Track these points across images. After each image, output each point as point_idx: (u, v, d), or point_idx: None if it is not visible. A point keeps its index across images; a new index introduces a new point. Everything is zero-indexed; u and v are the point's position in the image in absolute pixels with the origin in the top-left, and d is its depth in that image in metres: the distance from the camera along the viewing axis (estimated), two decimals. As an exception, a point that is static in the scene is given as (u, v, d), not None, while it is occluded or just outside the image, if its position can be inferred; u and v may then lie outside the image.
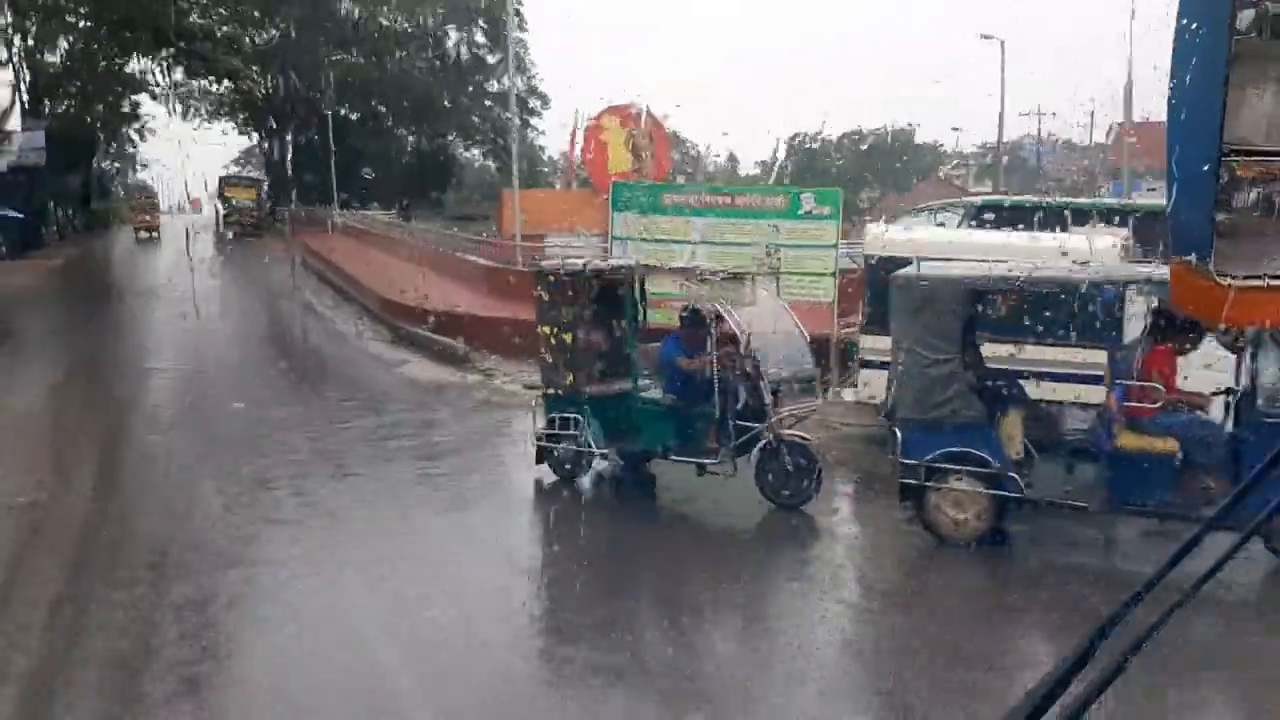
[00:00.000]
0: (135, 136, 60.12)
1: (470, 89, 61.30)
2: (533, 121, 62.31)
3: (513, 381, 14.78)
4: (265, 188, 51.41)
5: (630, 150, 56.85)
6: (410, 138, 59.37)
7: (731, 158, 75.76)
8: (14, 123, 39.24)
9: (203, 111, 61.46)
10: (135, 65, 51.98)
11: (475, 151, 63.89)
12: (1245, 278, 1.43)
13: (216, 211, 50.33)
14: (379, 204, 57.18)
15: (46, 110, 45.98)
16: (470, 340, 16.99)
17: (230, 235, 48.12)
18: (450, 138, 59.38)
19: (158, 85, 55.11)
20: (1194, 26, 1.39)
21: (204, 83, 59.77)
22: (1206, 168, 1.41)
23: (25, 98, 42.67)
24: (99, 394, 14.86)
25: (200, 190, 66.01)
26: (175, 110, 59.05)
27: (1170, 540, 6.38)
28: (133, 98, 54.80)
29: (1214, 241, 1.43)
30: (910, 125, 78.86)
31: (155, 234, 46.32)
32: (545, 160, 66.65)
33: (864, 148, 76.94)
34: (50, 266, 31.10)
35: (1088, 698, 1.20)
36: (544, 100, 61.96)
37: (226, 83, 56.84)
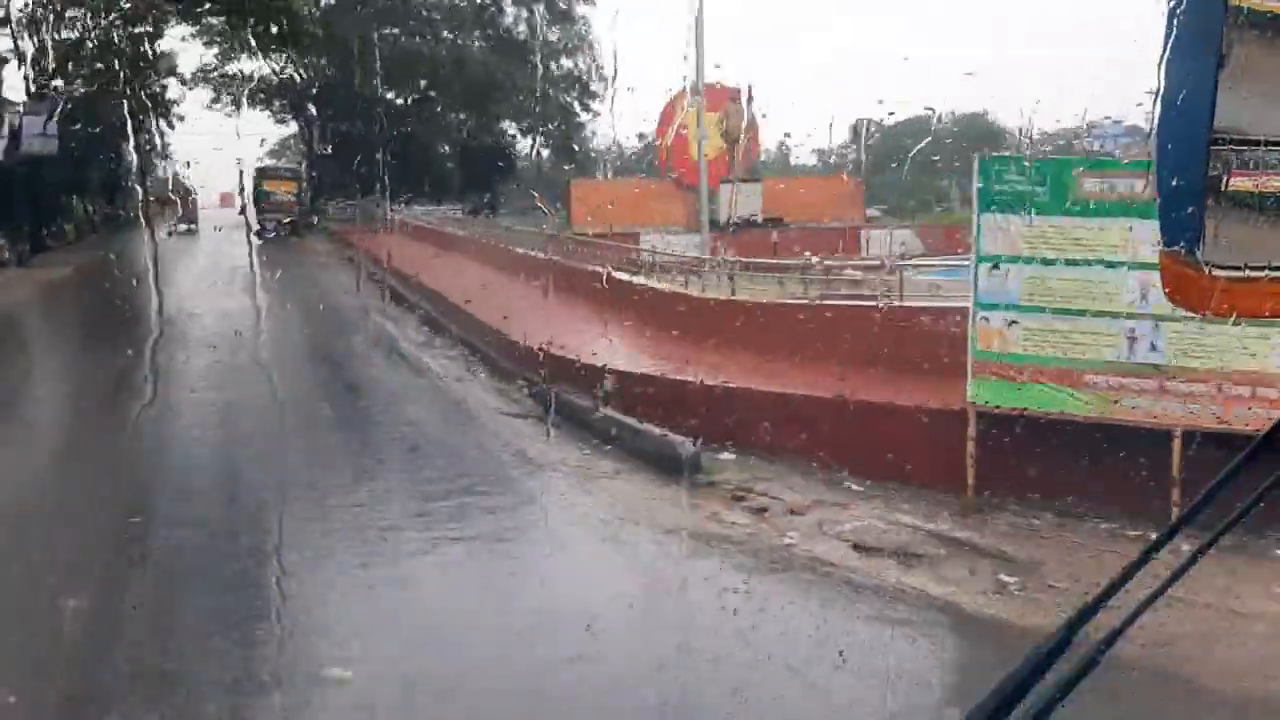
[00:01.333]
0: (164, 124, 53.44)
1: (528, 70, 54.36)
2: (593, 106, 55.35)
3: (823, 532, 7.80)
4: (306, 181, 44.60)
5: (722, 134, 49.97)
6: (466, 124, 52.39)
7: (782, 147, 67.97)
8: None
9: (237, 96, 54.82)
10: (165, 42, 45.46)
11: (529, 140, 56.93)
12: (1234, 268, 1.43)
13: (246, 207, 43.67)
14: (432, 198, 50.49)
15: (61, 92, 39.29)
16: (694, 427, 9.95)
17: (268, 235, 41.54)
18: (509, 124, 52.39)
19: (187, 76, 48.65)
20: (1185, 10, 1.38)
21: (238, 64, 53.29)
22: (1197, 157, 1.40)
23: (30, 74, 36.04)
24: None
25: (228, 184, 59.58)
26: (195, 90, 52.55)
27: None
28: (160, 80, 48.04)
29: (1203, 232, 1.43)
30: (984, 110, 70.61)
31: (194, 226, 42.75)
32: (612, 149, 59.61)
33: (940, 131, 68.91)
34: (52, 280, 24.39)
35: (1055, 696, 1.20)
36: (607, 82, 54.90)
37: (265, 59, 50.19)
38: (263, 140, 67.37)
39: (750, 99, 46.47)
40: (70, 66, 38.91)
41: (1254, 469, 1.36)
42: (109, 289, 23.80)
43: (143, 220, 48.88)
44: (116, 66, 42.93)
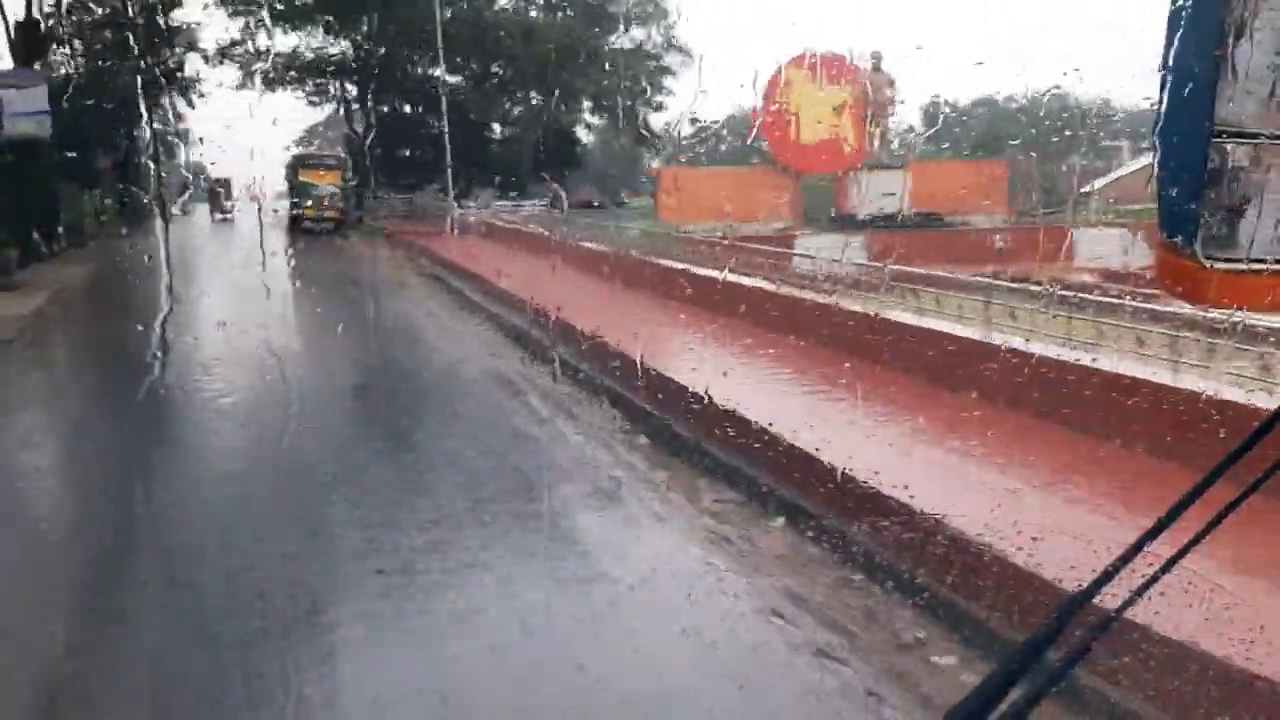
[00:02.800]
0: (184, 104, 45.92)
1: (600, 42, 46.56)
2: (667, 83, 47.49)
3: None
4: (350, 170, 37.04)
5: (838, 114, 42.13)
6: (534, 105, 44.60)
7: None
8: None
9: (267, 75, 47.27)
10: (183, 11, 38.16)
11: (601, 122, 49.11)
12: (1230, 260, 1.40)
13: (291, 199, 36.14)
14: (498, 189, 42.93)
15: (57, 64, 31.86)
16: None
17: (307, 233, 34.17)
18: (579, 104, 44.56)
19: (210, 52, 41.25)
20: (1189, 7, 1.35)
21: (268, 39, 46.00)
22: (1196, 148, 1.37)
23: (9, 39, 28.58)
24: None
25: (258, 173, 52.00)
26: (219, 68, 45.29)
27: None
28: (179, 55, 40.47)
29: (1201, 223, 1.40)
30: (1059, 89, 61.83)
31: (230, 216, 38.92)
32: (696, 132, 51.84)
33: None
34: (21, 313, 16.87)
35: (1039, 692, 1.18)
36: (686, 55, 46.99)
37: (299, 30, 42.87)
38: (271, 123, 60.47)
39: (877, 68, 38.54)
40: (68, 34, 31.48)
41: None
42: (91, 324, 16.28)
43: (158, 213, 41.73)
44: (128, 38, 35.60)
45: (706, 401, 8.46)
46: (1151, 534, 1.32)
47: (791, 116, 41.75)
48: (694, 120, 50.74)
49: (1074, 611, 1.24)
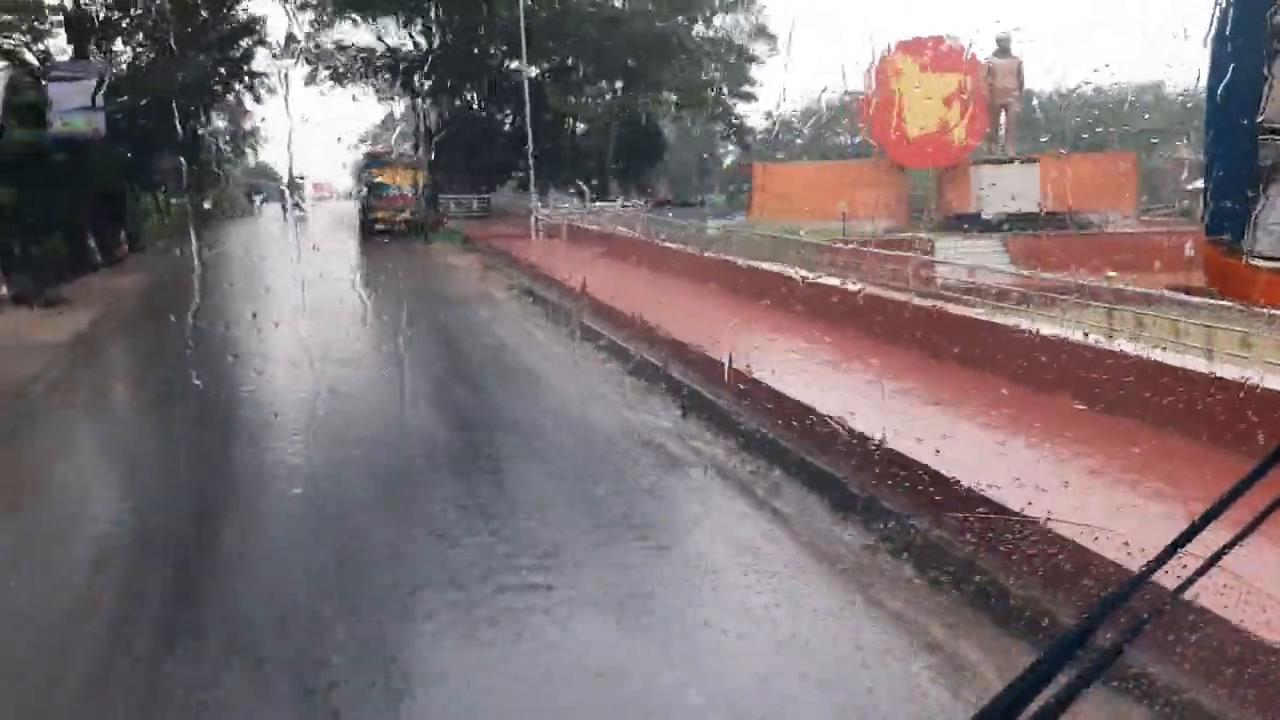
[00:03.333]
0: (249, 100, 43.50)
1: (686, 31, 43.17)
2: (754, 74, 43.96)
3: None
4: (425, 170, 34.15)
5: (948, 104, 38.38)
6: (618, 98, 41.42)
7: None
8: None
9: (337, 70, 44.82)
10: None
11: (685, 115, 45.76)
12: (1276, 259, 1.41)
13: (363, 202, 33.40)
14: (574, 187, 39.91)
15: (116, 58, 29.38)
16: None
17: (381, 237, 31.43)
18: (664, 96, 41.17)
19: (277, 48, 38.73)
20: (1234, 7, 1.39)
21: (338, 33, 43.65)
22: (1244, 150, 1.42)
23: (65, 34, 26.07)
24: None
25: (324, 172, 49.56)
26: (285, 62, 42.80)
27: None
28: (244, 47, 37.92)
29: (1248, 223, 1.42)
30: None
31: (303, 214, 38.23)
32: (789, 123, 48.34)
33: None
34: (56, 339, 13.96)
35: (1071, 694, 1.15)
36: (774, 43, 43.45)
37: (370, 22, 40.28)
38: (336, 120, 58.35)
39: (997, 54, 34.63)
40: (130, 24, 28.99)
41: None
42: (129, 379, 13.33)
43: (225, 215, 39.32)
44: (191, 30, 33.12)
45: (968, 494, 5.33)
46: (1166, 556, 1.27)
47: (898, 106, 38.14)
48: (769, 115, 47.02)
49: (1093, 629, 1.20)
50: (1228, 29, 1.41)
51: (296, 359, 11.01)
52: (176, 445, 8.51)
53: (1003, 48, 32.34)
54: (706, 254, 18.38)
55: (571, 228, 27.40)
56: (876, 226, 35.82)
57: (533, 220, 28.48)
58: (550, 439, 8.81)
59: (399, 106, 49.13)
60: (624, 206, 31.83)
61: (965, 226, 33.94)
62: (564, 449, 8.54)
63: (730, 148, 51.89)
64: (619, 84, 40.30)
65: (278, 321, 13.06)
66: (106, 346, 14.04)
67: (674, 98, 39.96)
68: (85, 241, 24.10)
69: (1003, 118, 33.82)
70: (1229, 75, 1.42)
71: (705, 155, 54.01)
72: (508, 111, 44.79)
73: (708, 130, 49.21)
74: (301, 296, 15.82)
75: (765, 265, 16.43)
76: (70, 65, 24.01)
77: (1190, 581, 1.24)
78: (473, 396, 10.74)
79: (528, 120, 32.73)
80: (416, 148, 40.21)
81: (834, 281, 13.96)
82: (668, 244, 20.77)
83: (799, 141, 50.11)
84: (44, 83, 23.52)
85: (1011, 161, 33.10)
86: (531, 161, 32.86)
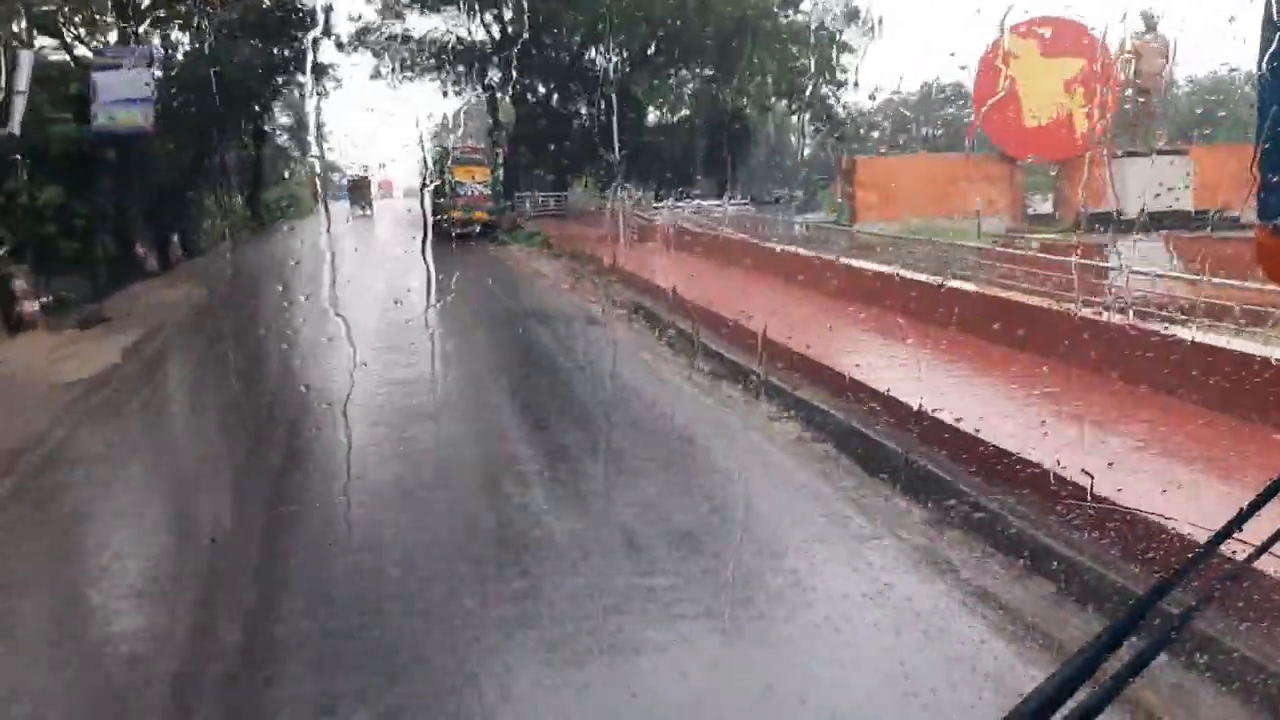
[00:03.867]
0: (313, 94, 40.90)
1: (775, 14, 39.65)
2: (844, 61, 40.21)
3: None
4: (501, 167, 31.21)
5: (1069, 89, 34.58)
6: (707, 88, 38.05)
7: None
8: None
9: (406, 61, 42.15)
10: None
11: (779, 105, 42.23)
12: None
13: (436, 200, 30.57)
14: (655, 183, 36.75)
15: (167, 44, 26.85)
16: None
17: (455, 238, 28.61)
18: (754, 86, 37.68)
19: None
20: None
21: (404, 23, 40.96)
22: None
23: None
24: None
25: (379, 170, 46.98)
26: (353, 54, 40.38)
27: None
28: (307, 36, 35.25)
29: None
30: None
31: (369, 213, 37.70)
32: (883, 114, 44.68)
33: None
34: (78, 377, 11.09)
35: (1107, 694, 1.13)
36: (868, 30, 39.63)
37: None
38: (401, 115, 55.98)
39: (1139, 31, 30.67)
40: (183, 8, 26.40)
41: None
42: (162, 452, 10.35)
43: (291, 221, 36.82)
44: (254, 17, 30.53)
45: None
46: (1205, 553, 1.26)
47: (1013, 94, 34.35)
48: (871, 98, 43.34)
49: (1131, 628, 1.19)
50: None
51: (374, 418, 8.00)
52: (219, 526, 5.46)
53: (1149, 25, 28.39)
54: (849, 262, 15.10)
55: (666, 228, 24.30)
56: (996, 225, 32.22)
57: (620, 220, 25.40)
58: (752, 587, 5.55)
59: (468, 100, 46.40)
60: (733, 206, 28.59)
61: (1099, 226, 30.08)
62: (790, 612, 5.29)
63: (805, 140, 48.33)
64: (705, 72, 36.97)
65: (343, 341, 10.16)
66: (140, 388, 11.13)
67: (769, 84, 36.46)
68: (134, 247, 21.53)
69: (1143, 104, 29.89)
70: None
71: (774, 149, 50.40)
72: (582, 104, 41.81)
73: (781, 123, 45.74)
74: (379, 316, 13.00)
75: (935, 279, 13.16)
76: (115, 51, 21.46)
77: (1263, 549, 1.17)
78: (607, 477, 7.61)
79: (613, 110, 29.63)
80: (493, 143, 37.39)
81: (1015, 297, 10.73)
82: (791, 250, 17.57)
83: (876, 134, 46.43)
84: (88, 70, 20.97)
85: (1158, 154, 29.22)
86: (618, 156, 29.76)
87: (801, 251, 16.83)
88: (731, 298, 14.48)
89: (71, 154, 21.38)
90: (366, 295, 16.92)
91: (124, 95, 20.93)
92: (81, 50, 22.91)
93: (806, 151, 49.86)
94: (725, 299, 14.12)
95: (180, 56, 27.77)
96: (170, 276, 21.78)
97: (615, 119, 39.91)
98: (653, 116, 39.80)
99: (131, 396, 10.48)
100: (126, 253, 21.93)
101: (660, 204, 27.23)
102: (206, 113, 26.02)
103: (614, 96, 39.51)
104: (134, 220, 22.59)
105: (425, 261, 20.80)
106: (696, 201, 28.49)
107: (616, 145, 30.62)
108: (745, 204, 29.71)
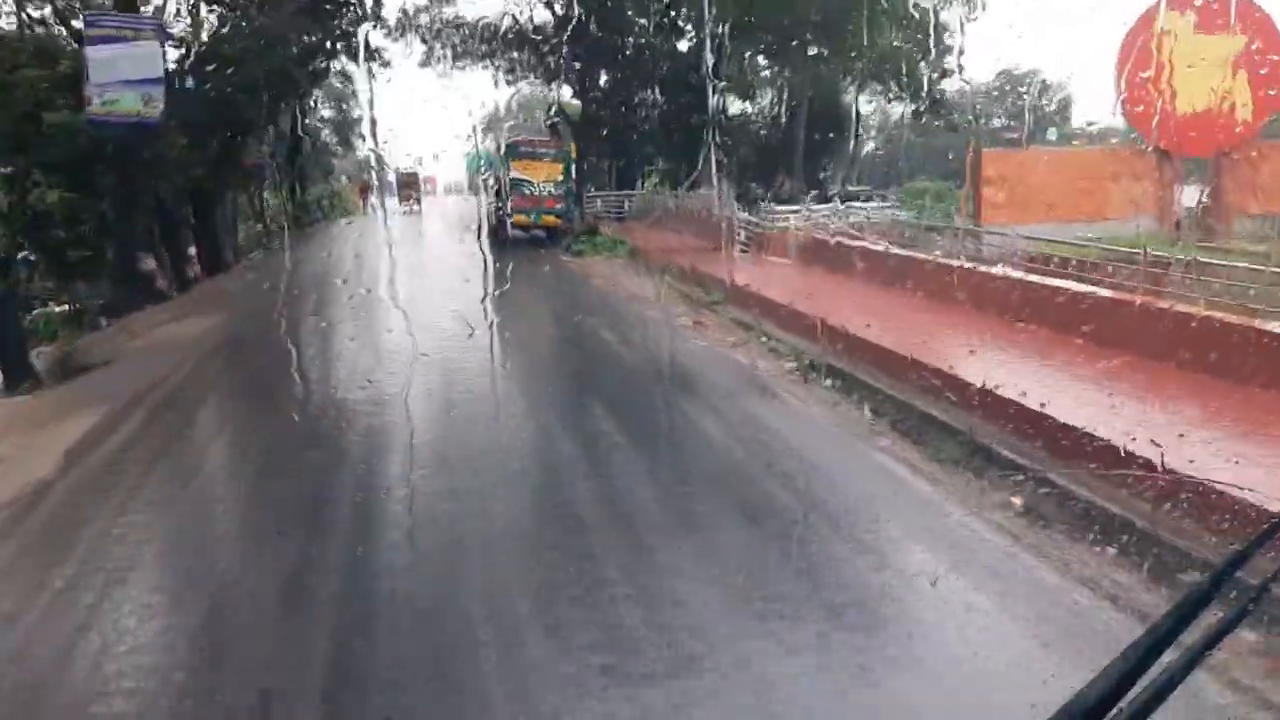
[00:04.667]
0: (358, 83, 36.44)
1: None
2: (947, 40, 34.89)
3: None
4: (574, 163, 26.45)
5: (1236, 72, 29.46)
6: (797, 73, 33.02)
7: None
8: None
9: (460, 48, 37.61)
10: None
11: (874, 93, 37.13)
12: None
13: (497, 200, 25.96)
14: (735, 179, 31.84)
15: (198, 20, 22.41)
16: None
17: (518, 245, 24.19)
18: (854, 72, 32.53)
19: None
20: None
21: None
22: None
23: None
24: None
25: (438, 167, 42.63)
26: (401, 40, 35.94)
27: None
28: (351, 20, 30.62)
29: None
30: None
31: (417, 208, 35.91)
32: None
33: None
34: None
35: (1187, 663, 1.13)
36: (970, 8, 34.40)
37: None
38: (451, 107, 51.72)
39: None
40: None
41: None
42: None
43: (331, 222, 32.42)
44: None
45: None
46: (1248, 552, 1.25)
47: (1163, 77, 29.10)
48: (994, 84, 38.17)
49: (1182, 627, 1.15)
50: None
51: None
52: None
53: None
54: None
55: (780, 236, 19.58)
56: (1153, 227, 26.99)
57: (724, 226, 20.67)
58: None
59: (518, 90, 41.70)
60: (873, 208, 23.76)
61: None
62: None
63: (906, 129, 43.22)
64: (802, 54, 31.98)
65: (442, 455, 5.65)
66: (55, 559, 6.34)
67: (869, 68, 31.39)
68: (136, 265, 17.15)
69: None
70: None
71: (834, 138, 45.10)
72: (652, 92, 37.04)
73: (864, 110, 40.56)
74: (448, 369, 8.48)
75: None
76: (114, 18, 17.00)
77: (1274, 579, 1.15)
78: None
79: (693, 99, 24.89)
80: (555, 134, 32.71)
81: None
82: (999, 271, 12.75)
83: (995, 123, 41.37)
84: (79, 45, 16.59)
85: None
86: (715, 152, 25.03)
87: (1099, 291, 11.81)
88: (964, 351, 9.72)
89: (73, 147, 17.11)
90: (433, 333, 12.34)
91: (126, 75, 16.56)
92: (80, 24, 18.51)
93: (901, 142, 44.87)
94: (966, 361, 9.37)
95: (208, 38, 23.32)
96: (184, 300, 17.38)
97: (686, 108, 35.25)
98: (735, 105, 34.86)
99: (73, 528, 5.90)
100: (132, 269, 17.57)
101: (790, 205, 22.41)
102: (236, 100, 21.60)
103: (686, 84, 34.80)
104: (143, 230, 18.22)
105: (498, 274, 16.17)
106: (861, 201, 23.65)
107: (712, 136, 25.84)
108: (889, 204, 24.83)
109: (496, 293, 15.28)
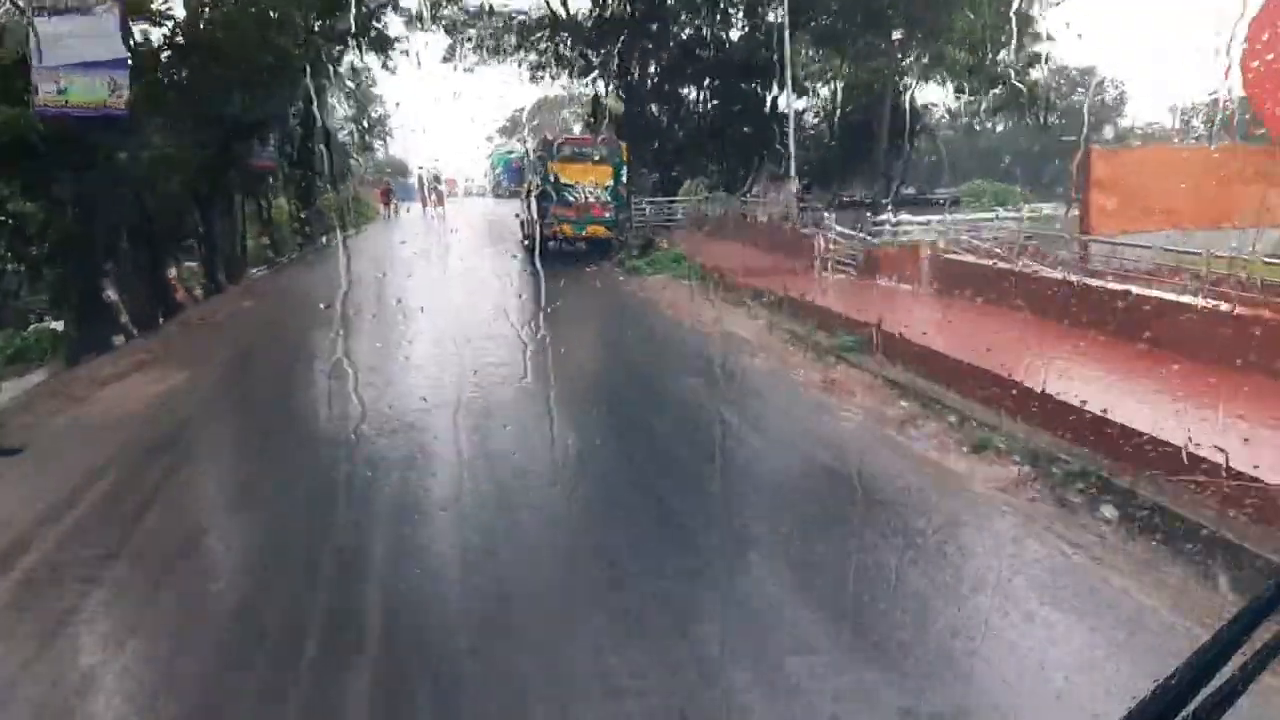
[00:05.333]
0: (375, 76, 32.70)
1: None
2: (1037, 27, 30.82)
3: None
4: (625, 166, 22.54)
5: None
6: (862, 67, 28.97)
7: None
8: None
9: (493, 40, 33.98)
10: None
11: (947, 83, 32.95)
12: None
13: (535, 207, 22.16)
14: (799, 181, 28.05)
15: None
16: None
17: (560, 259, 20.53)
18: (953, 54, 28.42)
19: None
20: None
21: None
22: None
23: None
24: None
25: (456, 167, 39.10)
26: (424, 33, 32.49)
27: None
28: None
29: None
30: None
31: (442, 211, 33.96)
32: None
33: None
34: None
35: (1224, 699, 1.09)
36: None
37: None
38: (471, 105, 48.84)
39: None
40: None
41: None
42: None
43: (352, 231, 28.77)
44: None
45: None
46: None
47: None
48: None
49: (1254, 626, 1.11)
50: None
51: None
52: None
53: None
54: None
55: (898, 254, 15.72)
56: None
57: (819, 241, 16.86)
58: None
59: (551, 90, 37.94)
60: (1004, 214, 19.86)
61: None
62: None
63: (992, 126, 39.43)
64: (871, 46, 27.98)
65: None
66: None
67: (955, 60, 27.34)
68: (96, 301, 13.44)
69: None
70: None
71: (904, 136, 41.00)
72: (703, 88, 33.31)
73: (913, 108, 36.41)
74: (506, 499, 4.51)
75: None
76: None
77: None
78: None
79: (787, 89, 21.05)
80: (595, 132, 28.85)
81: None
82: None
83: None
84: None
85: None
86: (793, 154, 21.20)
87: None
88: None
89: (20, 148, 13.51)
90: (474, 419, 8.56)
91: (81, 55, 12.90)
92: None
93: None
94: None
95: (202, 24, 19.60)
96: (155, 342, 13.63)
97: (734, 105, 31.47)
98: (796, 100, 30.90)
99: None
100: (93, 299, 13.89)
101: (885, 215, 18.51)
102: (231, 93, 17.92)
103: (736, 79, 31.03)
104: (108, 249, 14.55)
105: (547, 317, 12.37)
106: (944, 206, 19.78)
107: (785, 133, 22.02)
108: (1056, 211, 20.93)
109: (547, 333, 11.46)
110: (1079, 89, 46.15)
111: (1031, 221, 21.20)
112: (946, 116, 36.57)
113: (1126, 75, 53.14)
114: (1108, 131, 47.07)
